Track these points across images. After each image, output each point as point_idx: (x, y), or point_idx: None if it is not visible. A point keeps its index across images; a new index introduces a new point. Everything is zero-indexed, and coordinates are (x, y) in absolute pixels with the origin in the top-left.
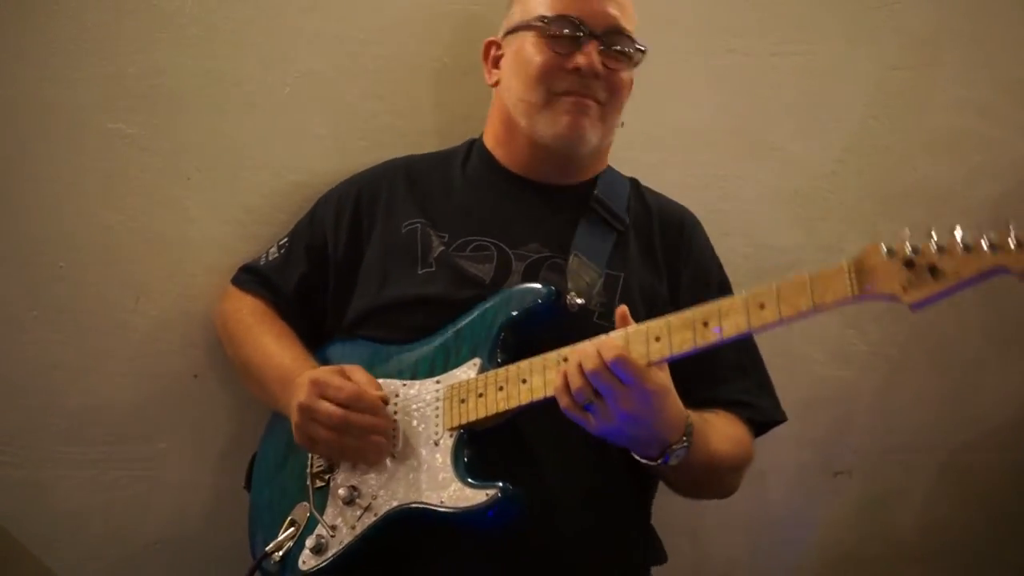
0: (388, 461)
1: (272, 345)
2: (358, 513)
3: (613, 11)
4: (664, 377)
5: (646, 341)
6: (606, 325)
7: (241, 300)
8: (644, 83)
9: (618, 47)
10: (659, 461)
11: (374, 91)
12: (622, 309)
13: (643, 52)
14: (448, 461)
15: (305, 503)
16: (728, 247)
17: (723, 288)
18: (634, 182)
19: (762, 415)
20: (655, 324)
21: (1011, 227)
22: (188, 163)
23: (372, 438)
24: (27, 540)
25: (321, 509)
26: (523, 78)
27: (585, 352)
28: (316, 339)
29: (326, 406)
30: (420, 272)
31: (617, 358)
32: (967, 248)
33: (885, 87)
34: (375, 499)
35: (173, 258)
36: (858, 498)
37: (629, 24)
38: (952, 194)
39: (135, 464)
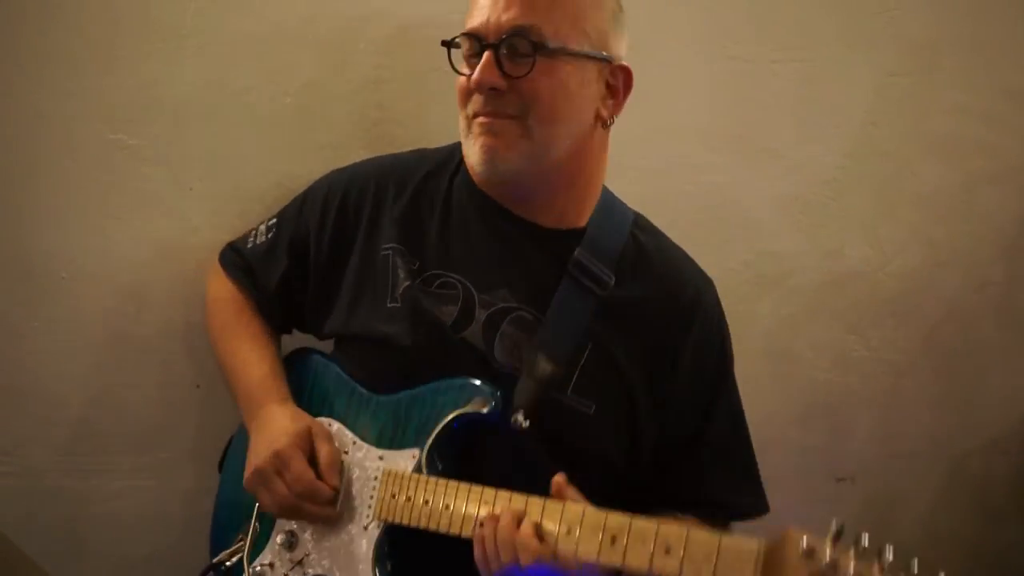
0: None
1: (245, 351)
2: (290, 565)
3: (512, 13)
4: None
5: (599, 534)
6: (561, 400)
7: (223, 285)
8: (645, 89)
9: (515, 53)
10: None
11: (375, 100)
12: (557, 480)
13: (550, 49)
14: (370, 555)
15: (257, 523)
16: (729, 254)
17: (717, 378)
18: (636, 223)
19: (740, 515)
20: (616, 519)
21: None
22: (190, 173)
23: (314, 521)
24: (29, 550)
25: (265, 538)
26: (458, 103)
27: (504, 542)
28: (294, 326)
29: (281, 488)
30: (388, 306)
31: (536, 563)
32: None
33: (885, 93)
34: (307, 555)
35: (175, 268)
36: (861, 504)
37: (534, 16)
38: (952, 199)
39: (137, 474)
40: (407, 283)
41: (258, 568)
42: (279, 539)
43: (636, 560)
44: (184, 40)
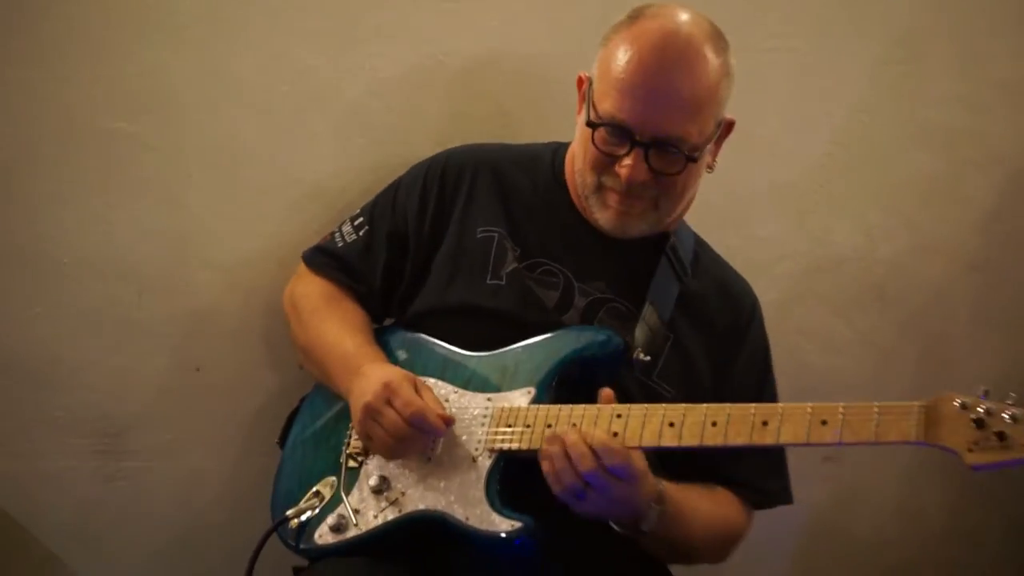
0: (424, 462)
1: (336, 329)
2: (383, 505)
3: (665, 121)
4: (641, 458)
5: (660, 429)
6: (646, 383)
7: (312, 283)
8: None
9: (665, 155)
10: (633, 527)
11: (371, 89)
12: (607, 393)
13: (693, 160)
14: (482, 481)
15: (334, 478)
16: (720, 239)
17: (765, 372)
18: (696, 238)
19: (765, 499)
20: (672, 410)
21: None
22: (189, 161)
23: (423, 450)
24: (36, 529)
25: (348, 489)
26: (581, 155)
27: (580, 451)
28: (391, 314)
29: (392, 415)
30: (489, 283)
31: (613, 462)
32: None
33: (874, 82)
34: (403, 495)
35: (174, 254)
36: (846, 482)
37: (689, 126)
38: (940, 187)
39: (139, 455)
40: (513, 265)
41: (343, 515)
42: (371, 482)
43: (791, 435)
44: (183, 30)
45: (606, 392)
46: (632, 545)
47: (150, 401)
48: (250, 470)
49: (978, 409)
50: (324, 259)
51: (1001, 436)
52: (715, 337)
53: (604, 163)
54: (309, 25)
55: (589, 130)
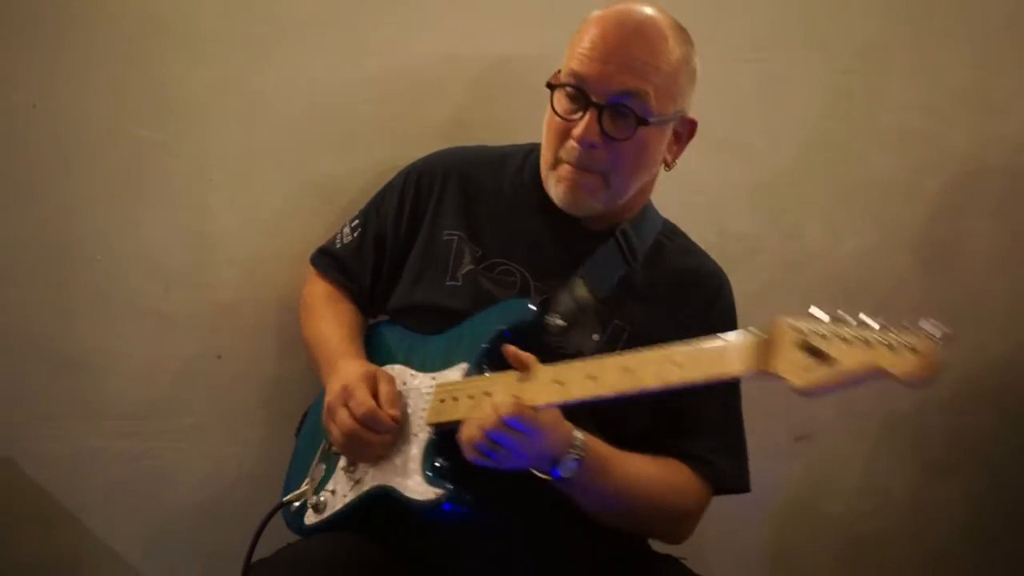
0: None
1: (326, 326)
2: (351, 484)
3: (620, 74)
4: (553, 412)
5: (549, 385)
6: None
7: (317, 284)
8: None
9: (618, 117)
10: (551, 474)
11: (380, 98)
12: (509, 348)
13: (646, 123)
14: (419, 454)
15: (324, 464)
16: (699, 236)
17: None
18: (666, 224)
19: (718, 477)
20: (562, 367)
21: (910, 326)
22: (211, 166)
23: (372, 450)
24: (70, 505)
25: (330, 473)
26: (545, 133)
27: (484, 412)
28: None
29: (343, 415)
30: (447, 284)
31: (509, 418)
32: (864, 342)
33: (839, 90)
34: (366, 474)
35: (198, 251)
36: (817, 460)
37: (645, 83)
38: (900, 185)
39: (165, 437)
40: (470, 266)
41: (321, 497)
42: (342, 463)
43: (650, 378)
44: (205, 45)
45: (508, 348)
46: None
47: (175, 387)
48: (267, 453)
49: (807, 331)
50: (325, 259)
51: (827, 358)
52: (674, 322)
53: (562, 133)
54: (321, 40)
55: (553, 99)
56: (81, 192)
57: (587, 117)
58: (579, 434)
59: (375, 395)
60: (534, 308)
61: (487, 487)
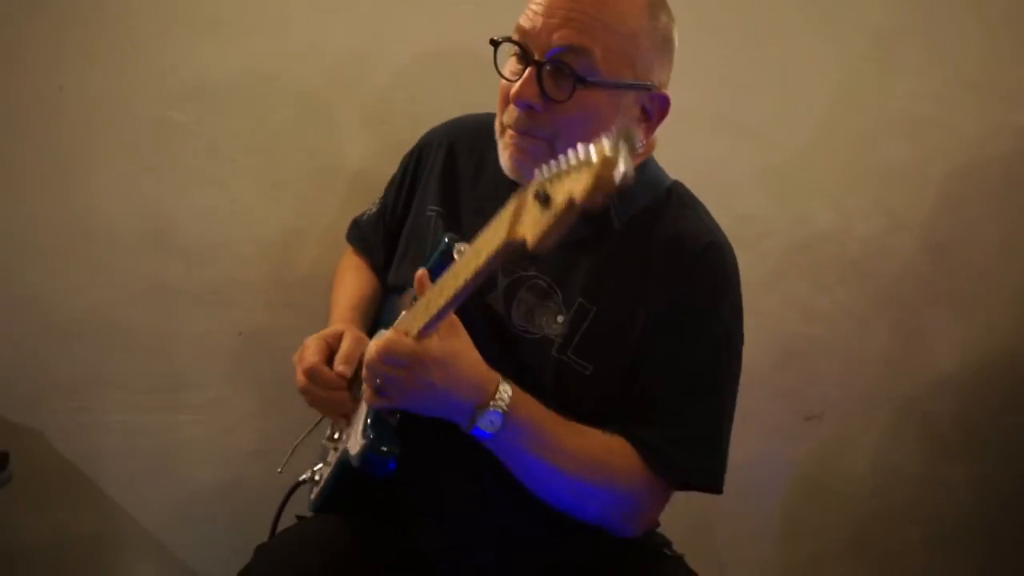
0: (358, 411)
1: (339, 294)
2: (334, 450)
3: (564, 32)
4: (448, 342)
5: (425, 312)
6: (561, 359)
7: (346, 255)
8: None
9: (558, 75)
10: (471, 429)
11: (394, 82)
12: (420, 272)
13: (591, 83)
14: (364, 415)
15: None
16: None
17: (698, 321)
18: (668, 193)
19: (667, 467)
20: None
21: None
22: (232, 147)
23: (331, 406)
24: (96, 476)
25: (328, 448)
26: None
27: (368, 353)
28: None
29: (298, 371)
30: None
31: (380, 351)
32: (568, 173)
33: (850, 77)
34: (342, 442)
35: (220, 230)
36: (826, 440)
37: (587, 39)
38: (909, 171)
39: (187, 410)
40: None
41: (323, 471)
42: (335, 435)
43: (466, 272)
44: (225, 27)
45: (419, 272)
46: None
47: (197, 363)
48: (289, 427)
49: (547, 178)
50: (352, 231)
51: (546, 200)
52: (639, 301)
53: (505, 93)
54: (339, 23)
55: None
56: (106, 172)
57: (527, 74)
58: (507, 387)
59: (334, 352)
60: (446, 240)
61: (455, 455)
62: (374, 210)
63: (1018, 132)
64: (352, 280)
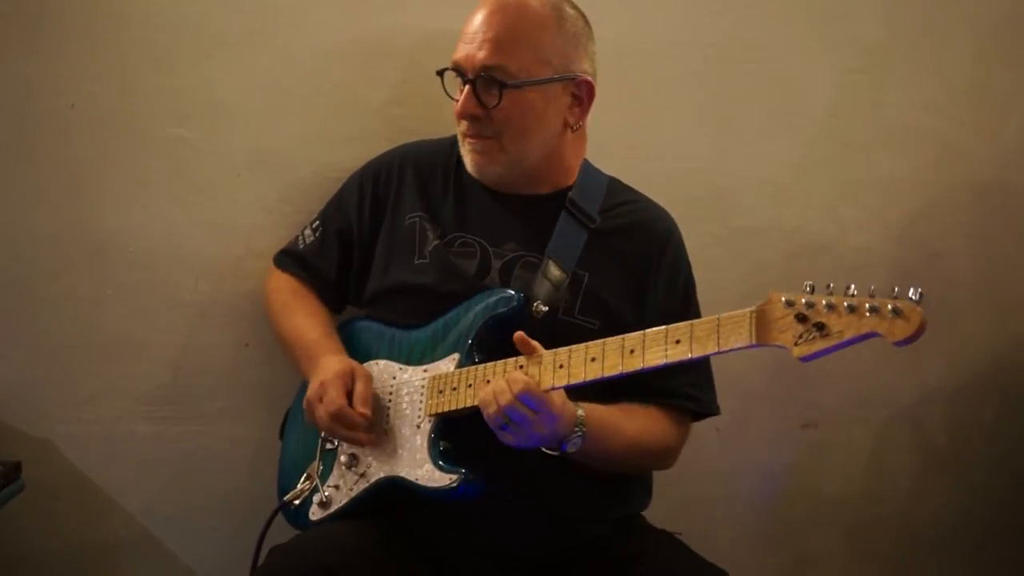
0: (383, 435)
1: (303, 322)
2: (355, 478)
3: (483, 54)
4: (560, 394)
5: (552, 368)
6: (570, 320)
7: (281, 279)
8: (634, 88)
9: (486, 86)
10: (559, 451)
11: (396, 98)
12: (519, 335)
13: (512, 86)
14: (425, 443)
15: (318, 462)
16: (707, 231)
17: (688, 291)
18: (612, 182)
19: (702, 407)
20: (631, 337)
21: (894, 292)
22: (238, 162)
23: (351, 442)
24: (105, 485)
25: (328, 469)
26: None
27: (499, 386)
28: (348, 303)
29: (320, 412)
30: (416, 262)
31: (521, 392)
32: (851, 309)
33: (843, 88)
34: (369, 468)
35: (226, 244)
36: (822, 447)
37: (503, 57)
38: (903, 181)
39: (195, 420)
40: (435, 243)
41: (326, 492)
42: (343, 459)
43: (655, 358)
44: (232, 48)
45: (518, 334)
46: (577, 468)
47: (205, 374)
48: None
49: (800, 303)
50: (288, 260)
51: (821, 327)
52: (629, 270)
53: (455, 111)
54: (341, 43)
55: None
56: (116, 188)
57: (464, 93)
58: (581, 411)
59: (350, 393)
60: (521, 297)
61: (489, 463)
62: (313, 238)
63: (1011, 140)
64: (307, 307)
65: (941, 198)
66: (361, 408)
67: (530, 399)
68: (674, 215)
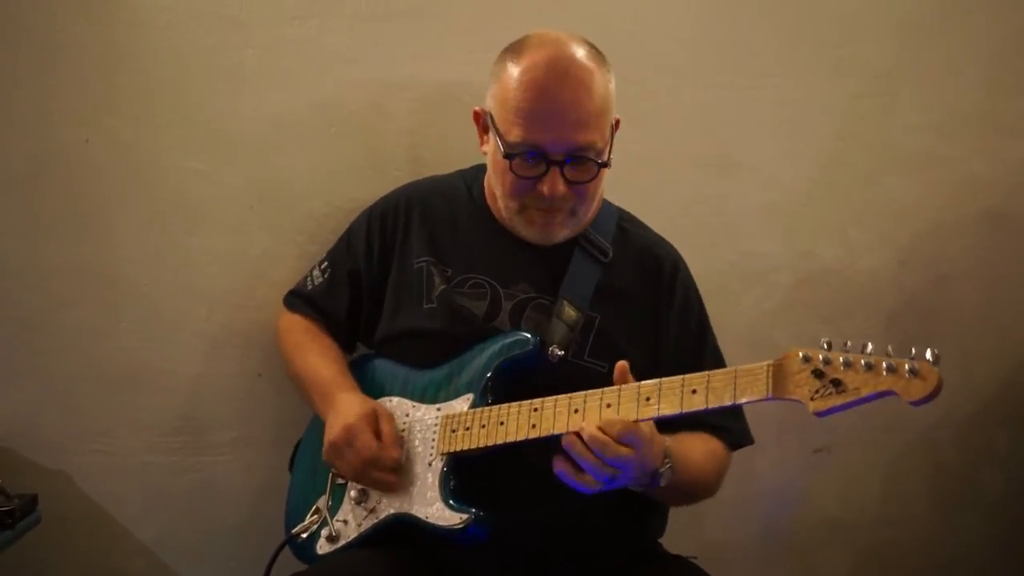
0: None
1: (316, 361)
2: (364, 513)
3: (574, 134)
4: (649, 425)
5: (636, 399)
6: (579, 363)
7: (293, 320)
8: (642, 116)
9: (579, 166)
10: (651, 485)
11: (406, 128)
12: (622, 365)
13: (605, 166)
14: (436, 482)
15: (327, 496)
16: (716, 256)
17: (702, 326)
18: (620, 212)
19: (737, 438)
20: (647, 385)
21: (911, 353)
22: (250, 194)
23: (381, 486)
24: (119, 516)
25: (338, 504)
26: (499, 185)
27: (600, 440)
28: (358, 342)
29: (350, 456)
30: (425, 307)
31: (621, 433)
32: (869, 367)
33: (851, 113)
34: (379, 504)
35: (239, 275)
36: (835, 472)
37: (594, 134)
38: (911, 205)
39: (210, 451)
40: (442, 287)
41: (335, 527)
42: (352, 494)
43: (668, 407)
44: (244, 82)
45: (621, 364)
46: (598, 510)
47: (219, 404)
48: None
49: (817, 359)
50: (298, 301)
51: (837, 383)
52: (640, 311)
53: (525, 187)
54: (351, 76)
55: (505, 161)
56: (130, 221)
57: (551, 173)
58: (667, 442)
59: (377, 434)
60: (537, 341)
61: (502, 495)
62: (322, 279)
63: (1019, 164)
64: (320, 345)
65: (949, 222)
66: (393, 452)
67: (629, 437)
68: (684, 240)
